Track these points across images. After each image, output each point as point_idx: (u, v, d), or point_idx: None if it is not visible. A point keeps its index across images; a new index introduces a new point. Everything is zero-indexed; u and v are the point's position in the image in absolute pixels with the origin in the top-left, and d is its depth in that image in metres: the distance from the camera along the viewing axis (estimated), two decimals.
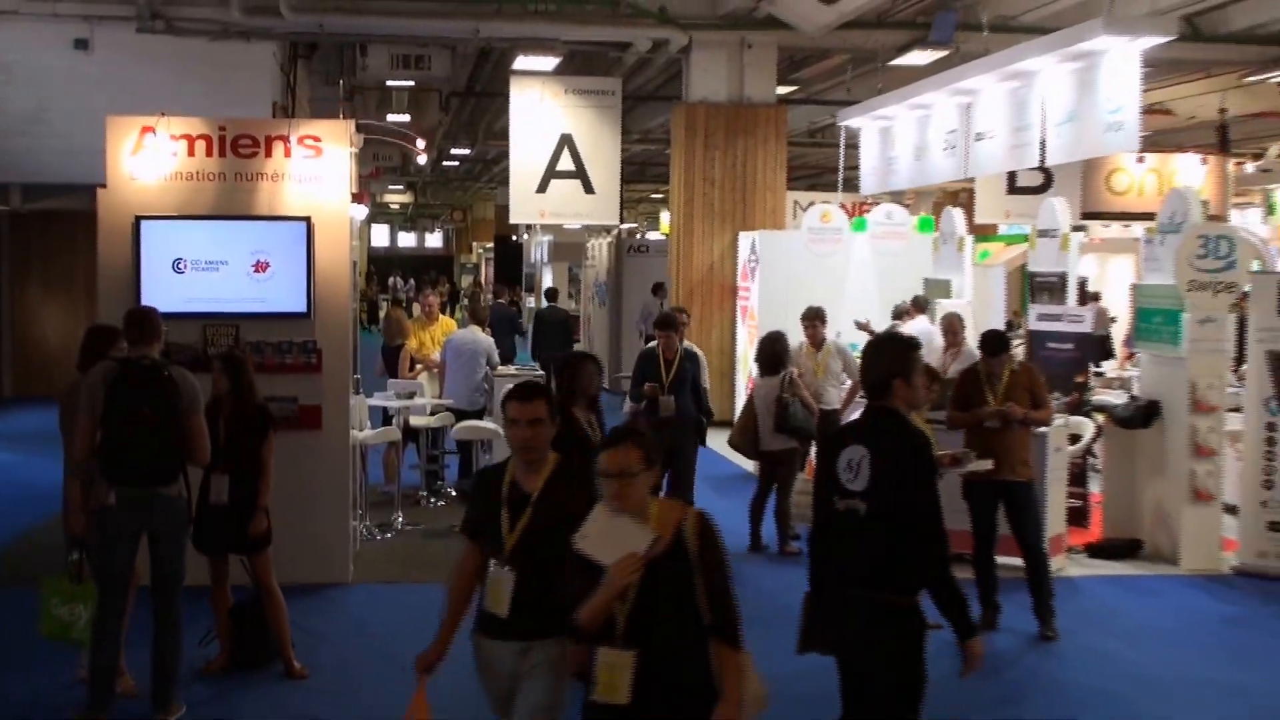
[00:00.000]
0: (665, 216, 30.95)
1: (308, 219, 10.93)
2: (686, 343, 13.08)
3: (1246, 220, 25.10)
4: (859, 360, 9.56)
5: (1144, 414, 12.36)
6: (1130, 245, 21.93)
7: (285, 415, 10.66)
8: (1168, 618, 10.81)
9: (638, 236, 27.97)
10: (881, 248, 18.96)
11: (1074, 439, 12.75)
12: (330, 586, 10.95)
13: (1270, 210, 25.81)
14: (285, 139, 11.04)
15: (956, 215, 17.40)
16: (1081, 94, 13.26)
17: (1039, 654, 9.65)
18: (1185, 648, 10.00)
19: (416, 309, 17.22)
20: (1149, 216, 16.91)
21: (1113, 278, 24.21)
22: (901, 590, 5.63)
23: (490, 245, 58.21)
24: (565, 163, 21.96)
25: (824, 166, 32.77)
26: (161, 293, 10.65)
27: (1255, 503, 11.92)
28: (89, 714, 7.79)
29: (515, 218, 23.13)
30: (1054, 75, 13.78)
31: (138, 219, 10.81)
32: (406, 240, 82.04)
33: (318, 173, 11.07)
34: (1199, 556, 11.93)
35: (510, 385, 5.85)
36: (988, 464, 9.82)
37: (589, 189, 22.07)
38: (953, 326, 13.78)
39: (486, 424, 13.89)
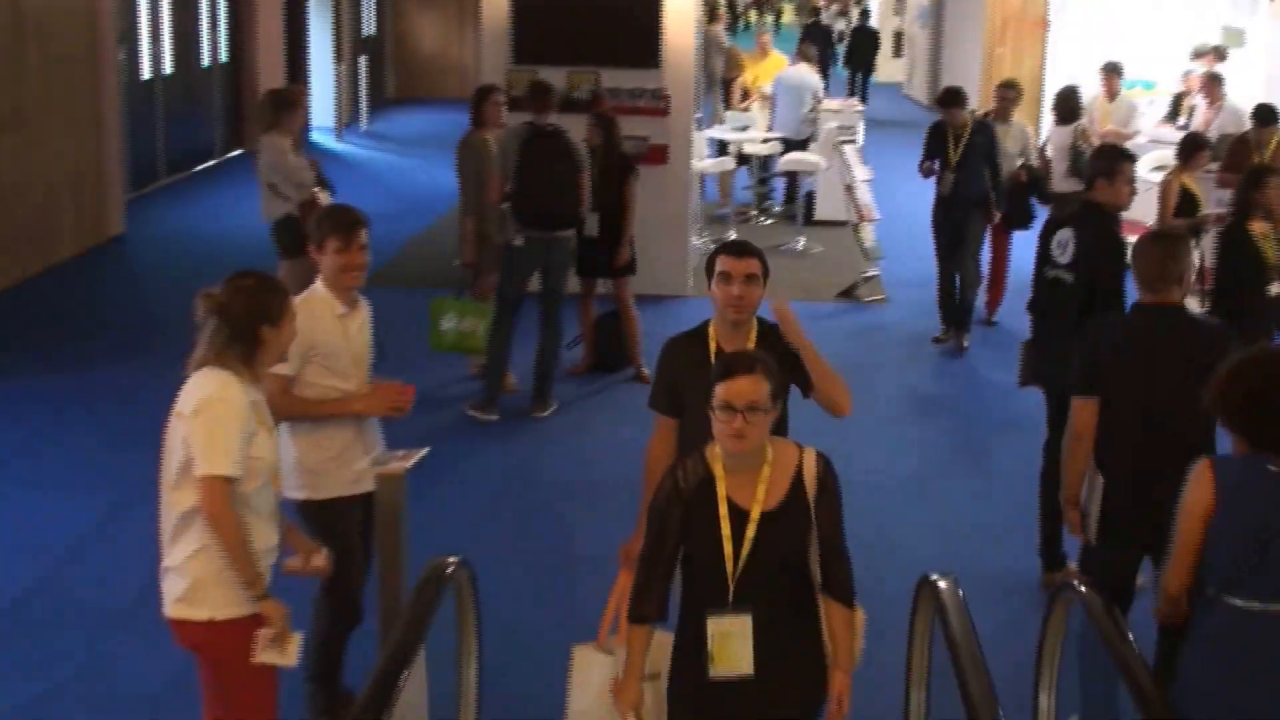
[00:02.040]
0: None
1: None
2: (1012, 120, 11.83)
3: None
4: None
5: None
6: None
7: (637, 153, 11.79)
8: None
9: None
10: None
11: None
12: (672, 299, 12.18)
13: None
14: None
15: None
16: None
17: None
18: None
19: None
20: None
21: None
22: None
23: None
24: None
25: None
26: (533, 45, 11.85)
27: None
28: (483, 405, 9.29)
29: None
30: None
31: None
32: None
33: None
34: None
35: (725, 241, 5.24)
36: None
37: None
38: (1213, 85, 13.87)
39: (809, 155, 14.80)
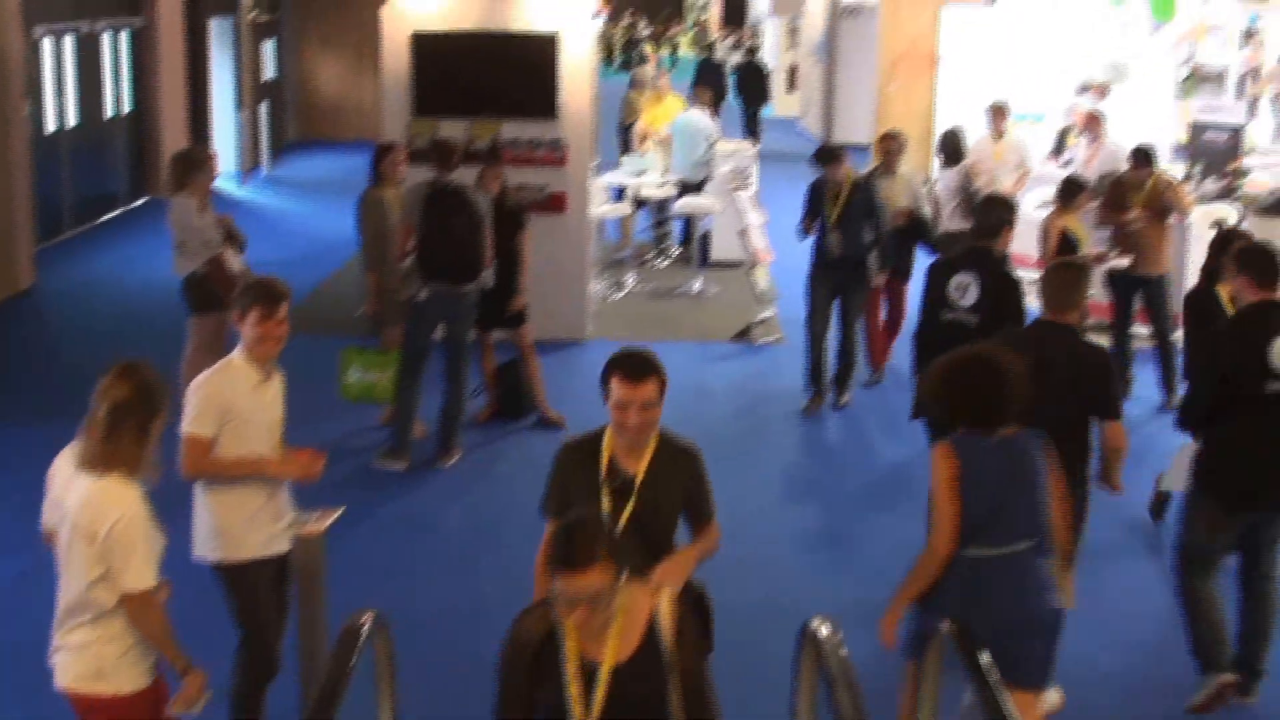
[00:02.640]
0: None
1: (555, 34, 12.19)
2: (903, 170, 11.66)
3: None
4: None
5: None
6: None
7: (536, 200, 12.16)
8: None
9: (852, 2, 28.33)
10: (1073, 24, 19.41)
11: (1217, 224, 13.56)
12: (573, 343, 12.52)
13: None
14: None
15: (1135, 4, 17.80)
16: None
17: (1160, 422, 10.80)
18: None
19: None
20: None
21: None
22: None
23: None
24: None
25: None
26: (434, 97, 12.19)
27: None
28: (391, 454, 9.57)
29: None
30: None
31: (414, 34, 12.21)
32: None
33: None
34: None
35: (618, 354, 4.83)
36: (1127, 260, 10.91)
37: None
38: (1094, 123, 14.30)
39: (705, 199, 15.23)
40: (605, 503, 4.66)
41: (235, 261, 9.68)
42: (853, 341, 11.02)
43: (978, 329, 7.38)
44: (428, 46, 12.19)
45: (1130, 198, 11.08)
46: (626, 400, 4.60)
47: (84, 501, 4.50)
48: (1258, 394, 6.15)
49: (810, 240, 10.95)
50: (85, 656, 4.59)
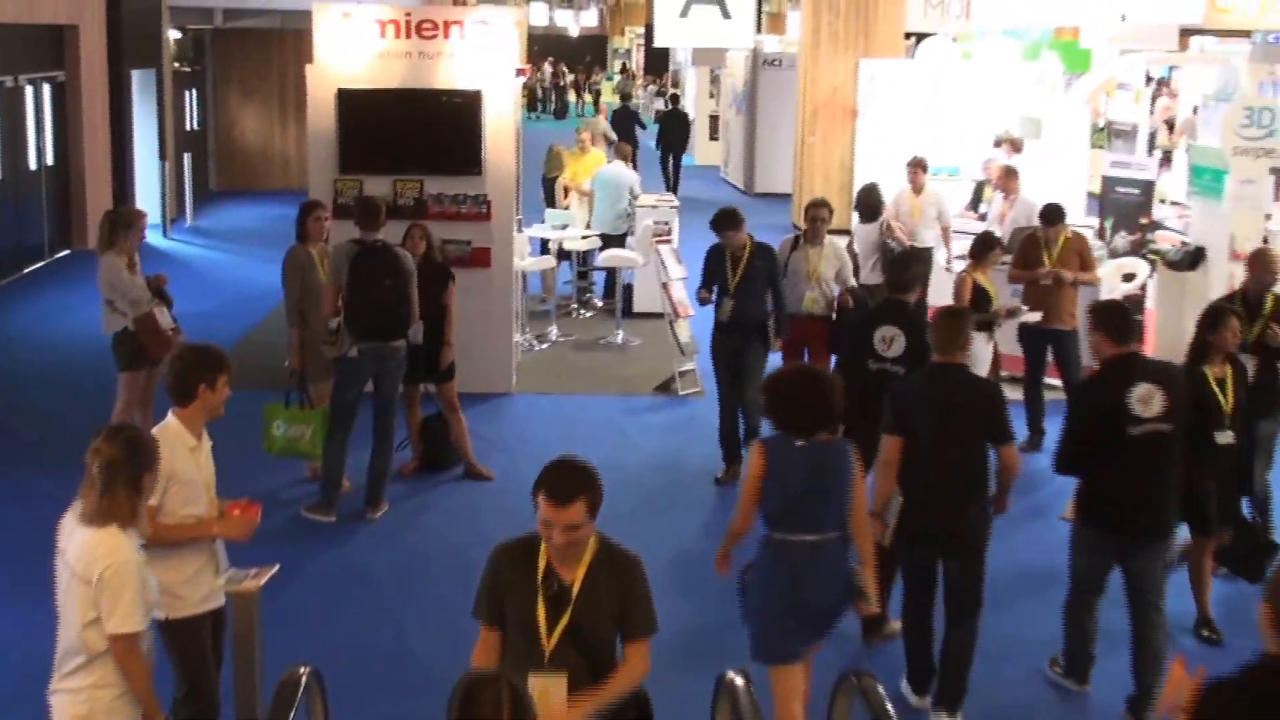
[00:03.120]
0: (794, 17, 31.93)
1: (478, 93, 12.49)
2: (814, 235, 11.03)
3: None
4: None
5: (1191, 258, 13.63)
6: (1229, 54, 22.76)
7: (460, 255, 12.43)
8: None
9: (772, 54, 28.94)
10: (988, 79, 20.02)
11: (1128, 277, 14.08)
12: (498, 395, 12.78)
13: None
14: (461, 23, 12.53)
15: (1049, 60, 18.38)
16: None
17: None
18: None
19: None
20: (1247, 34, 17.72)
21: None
22: None
23: (641, 31, 59.03)
24: None
25: None
26: (359, 154, 12.43)
27: None
28: (320, 507, 9.76)
29: (659, 42, 24.36)
30: None
31: (340, 91, 12.46)
32: (563, 19, 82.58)
33: (488, 52, 12.51)
34: None
35: (550, 469, 4.63)
36: (1038, 315, 11.32)
37: (726, 14, 23.09)
38: (1008, 178, 14.70)
39: (628, 252, 15.57)
40: (541, 611, 4.58)
41: (164, 319, 9.89)
42: (755, 407, 10.45)
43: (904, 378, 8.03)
44: (352, 104, 12.44)
45: (1040, 255, 11.50)
46: (551, 520, 4.50)
47: (81, 550, 4.83)
48: (1122, 436, 6.90)
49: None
50: (78, 700, 4.89)
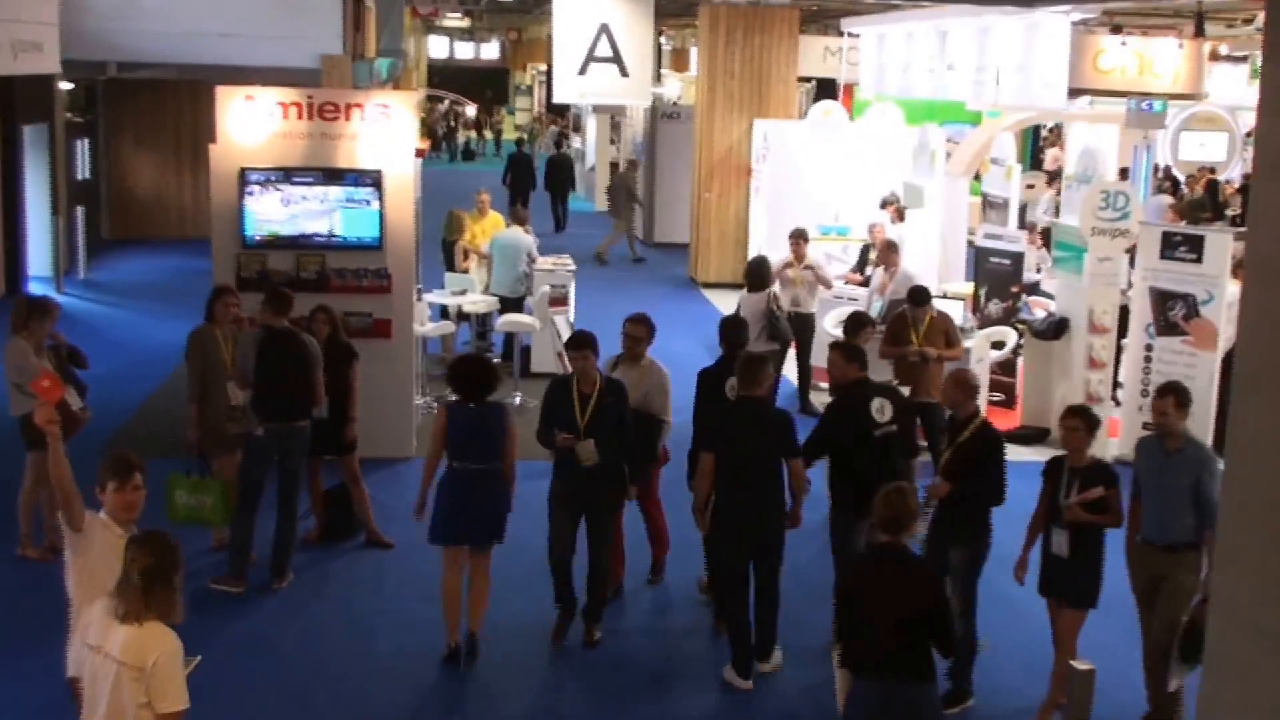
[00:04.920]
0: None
1: (379, 172, 13.44)
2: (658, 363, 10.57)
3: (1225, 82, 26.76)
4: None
5: (1055, 328, 14.87)
6: (1115, 116, 24.24)
7: (362, 327, 13.33)
8: None
9: (670, 104, 30.24)
10: (874, 142, 21.27)
11: (997, 345, 15.29)
12: (399, 460, 13.67)
13: (1254, 74, 27.62)
14: (361, 106, 13.48)
15: (931, 131, 19.65)
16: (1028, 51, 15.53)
17: None
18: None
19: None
20: (1126, 94, 18.97)
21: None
22: None
23: (544, 69, 60.05)
24: (603, 49, 23.97)
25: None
26: (263, 228, 13.32)
27: (1134, 406, 14.45)
28: (229, 579, 10.61)
29: (558, 98, 25.39)
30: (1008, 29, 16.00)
31: (243, 170, 13.35)
32: (464, 51, 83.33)
33: (388, 133, 13.49)
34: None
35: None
36: (905, 390, 12.40)
37: (624, 73, 24.11)
38: (889, 252, 15.94)
39: (525, 317, 16.54)
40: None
41: (73, 400, 10.70)
42: (605, 566, 10.00)
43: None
44: (256, 182, 13.32)
45: (908, 333, 12.63)
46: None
47: (128, 644, 5.72)
48: (868, 436, 9.47)
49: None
50: None
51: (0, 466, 12.05)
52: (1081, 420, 8.81)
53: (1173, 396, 8.82)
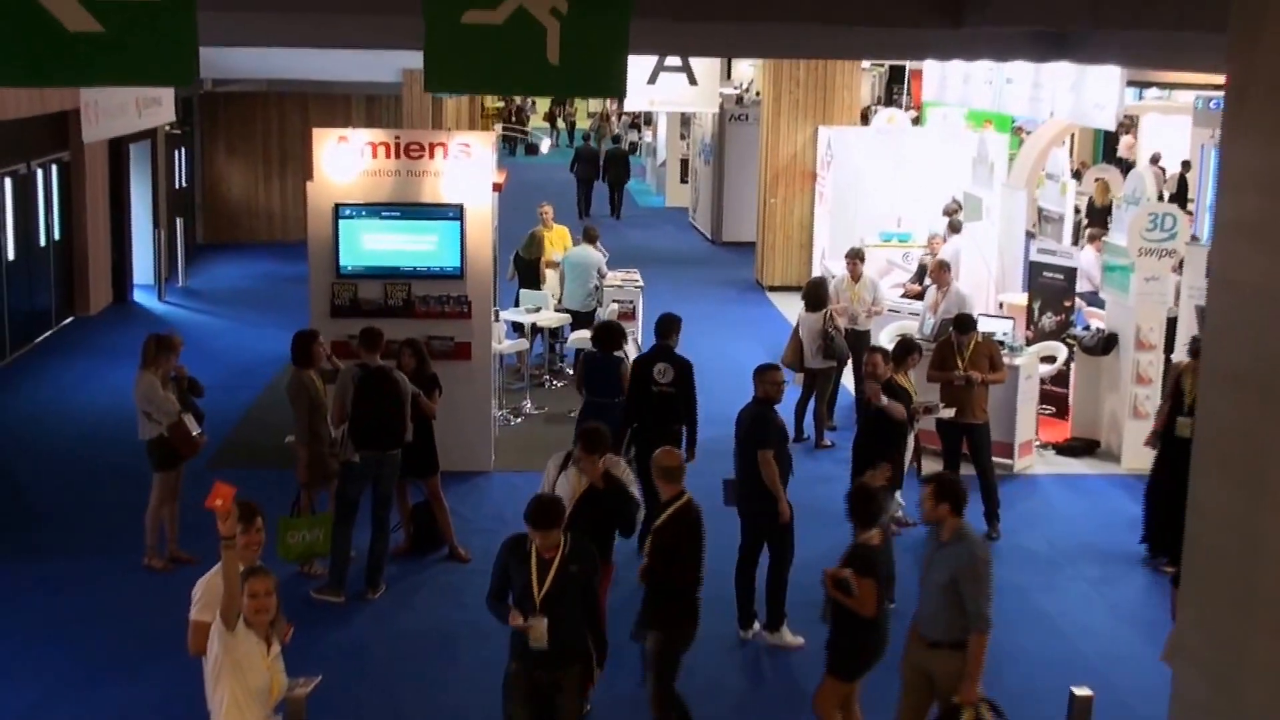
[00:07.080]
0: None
1: (460, 206, 14.48)
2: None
3: None
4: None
5: (1104, 344, 15.67)
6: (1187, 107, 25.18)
7: (444, 350, 14.40)
8: (1093, 521, 14.06)
9: (740, 104, 31.12)
10: (937, 148, 22.07)
11: (1048, 359, 16.11)
12: (478, 474, 14.75)
13: None
14: (445, 145, 14.51)
15: (990, 140, 20.38)
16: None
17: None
18: (1096, 549, 13.34)
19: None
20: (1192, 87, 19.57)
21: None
22: None
23: None
24: (673, 58, 24.92)
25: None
26: (354, 259, 14.41)
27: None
28: (330, 590, 11.71)
29: (628, 106, 26.44)
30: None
31: (337, 205, 14.43)
32: None
33: (468, 170, 14.54)
34: (1135, 458, 15.13)
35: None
36: (951, 411, 13.28)
37: (693, 81, 25.08)
38: (941, 271, 16.63)
39: None
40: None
41: (193, 426, 11.87)
42: None
43: None
44: (348, 216, 14.41)
45: (954, 359, 13.50)
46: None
47: None
48: (648, 393, 12.27)
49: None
50: None
51: (130, 486, 13.20)
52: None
53: (932, 486, 8.41)
